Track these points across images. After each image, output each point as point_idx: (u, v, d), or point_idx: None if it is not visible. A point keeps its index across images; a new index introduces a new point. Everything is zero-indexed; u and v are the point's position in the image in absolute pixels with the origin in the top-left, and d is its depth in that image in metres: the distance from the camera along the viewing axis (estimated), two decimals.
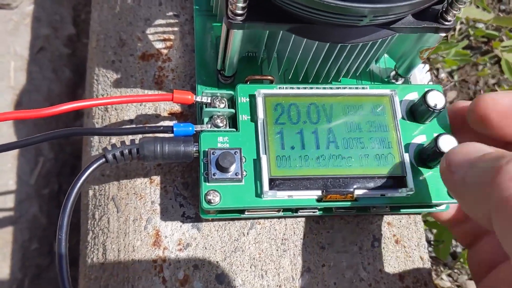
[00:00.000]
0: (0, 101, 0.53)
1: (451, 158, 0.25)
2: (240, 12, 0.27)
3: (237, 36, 0.28)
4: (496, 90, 0.51)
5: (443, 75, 0.52)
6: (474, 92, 0.51)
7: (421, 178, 0.30)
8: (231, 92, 0.31)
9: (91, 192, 0.35)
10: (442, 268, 0.43)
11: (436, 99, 0.30)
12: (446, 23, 0.29)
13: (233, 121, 0.31)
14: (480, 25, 0.53)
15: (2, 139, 0.50)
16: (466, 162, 0.24)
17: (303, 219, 0.33)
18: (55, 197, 0.52)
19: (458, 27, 0.53)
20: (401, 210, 0.32)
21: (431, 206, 0.31)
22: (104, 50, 0.38)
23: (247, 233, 0.32)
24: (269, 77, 0.33)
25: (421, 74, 0.36)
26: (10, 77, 0.55)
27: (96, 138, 0.36)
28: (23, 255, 0.49)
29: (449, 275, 0.43)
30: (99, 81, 0.37)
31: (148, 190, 0.33)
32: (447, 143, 0.29)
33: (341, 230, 0.33)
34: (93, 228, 0.33)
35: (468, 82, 0.52)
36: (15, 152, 0.52)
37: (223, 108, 0.31)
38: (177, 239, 0.31)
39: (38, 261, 0.50)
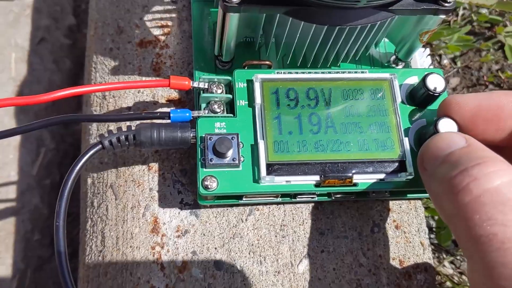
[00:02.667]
0: (1, 92, 0.53)
1: (423, 153, 0.26)
2: None
3: (233, 20, 0.28)
4: (500, 76, 0.50)
5: (445, 61, 0.51)
6: (477, 78, 0.51)
7: None
8: (229, 77, 0.31)
9: (89, 180, 0.35)
10: (444, 255, 0.43)
11: (436, 83, 0.30)
12: (446, 4, 0.28)
13: (230, 107, 0.31)
14: (484, 10, 0.52)
15: (4, 129, 0.50)
16: (435, 159, 0.25)
17: (302, 205, 0.32)
18: (56, 187, 0.52)
19: (461, 12, 0.52)
20: (405, 195, 0.32)
21: None
22: (102, 37, 0.38)
23: (246, 219, 0.32)
24: (267, 62, 0.33)
25: (421, 58, 0.35)
26: (11, 69, 0.55)
27: (94, 126, 0.36)
28: (25, 246, 0.49)
29: (451, 262, 0.43)
30: (97, 68, 0.37)
31: (146, 177, 0.32)
32: (447, 126, 0.28)
33: (340, 216, 0.32)
34: (91, 216, 0.33)
35: (471, 68, 0.51)
36: (16, 143, 0.52)
37: (221, 93, 0.31)
38: (176, 226, 0.31)
39: (40, 252, 0.50)
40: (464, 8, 0.53)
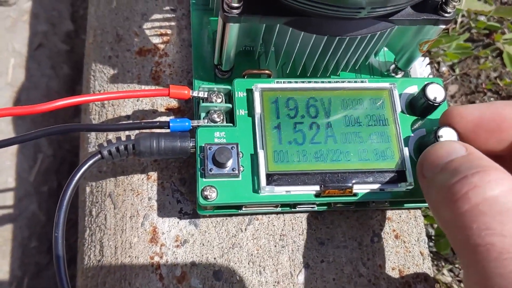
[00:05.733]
0: None
1: (423, 160, 0.26)
2: (236, 5, 0.26)
3: (233, 29, 0.28)
4: (498, 84, 0.51)
5: (444, 68, 0.51)
6: (476, 86, 0.51)
7: None
8: (228, 86, 0.31)
9: (88, 189, 0.34)
10: (443, 263, 0.43)
11: (436, 92, 0.30)
12: (446, 15, 0.29)
13: (230, 116, 0.31)
14: (482, 18, 0.52)
15: (1, 136, 0.50)
16: (434, 167, 0.25)
17: (302, 214, 0.32)
18: (54, 194, 0.52)
19: (459, 20, 0.52)
20: (404, 205, 0.32)
21: None
22: (101, 45, 0.37)
23: (245, 229, 0.31)
24: (267, 71, 0.33)
25: (421, 67, 0.35)
26: (9, 74, 0.55)
27: (93, 134, 0.36)
28: (22, 252, 0.49)
29: (450, 270, 0.43)
30: (96, 76, 0.37)
31: (145, 186, 0.32)
32: (447, 135, 0.28)
33: (340, 226, 0.32)
34: (90, 225, 0.33)
35: (470, 76, 0.51)
36: (14, 150, 0.52)
37: (220, 103, 0.31)
38: (174, 236, 0.31)
39: (37, 259, 0.49)
40: (463, 16, 0.53)
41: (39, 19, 0.59)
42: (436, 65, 0.52)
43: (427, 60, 0.36)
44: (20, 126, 0.53)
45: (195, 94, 0.31)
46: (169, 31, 0.37)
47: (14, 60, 0.56)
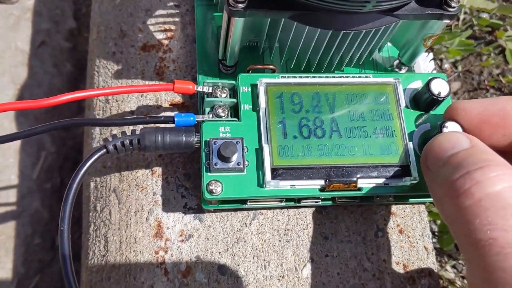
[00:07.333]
0: (1, 96, 0.53)
1: (427, 152, 0.26)
2: None
3: (238, 24, 0.28)
4: (501, 80, 0.51)
5: (446, 65, 0.51)
6: (478, 83, 0.51)
7: None
8: (233, 81, 0.31)
9: (92, 184, 0.34)
10: (446, 259, 0.43)
11: (440, 87, 0.30)
12: (450, 9, 0.29)
13: (234, 111, 0.31)
14: (484, 15, 0.52)
15: (4, 133, 0.50)
16: (438, 160, 0.25)
17: (306, 209, 0.32)
18: (57, 191, 0.52)
19: (462, 16, 0.52)
20: (409, 199, 0.32)
21: None
22: (104, 41, 0.37)
23: (250, 223, 0.32)
24: (271, 67, 0.33)
25: (425, 63, 0.35)
26: (12, 72, 0.55)
27: (97, 130, 0.36)
28: (25, 249, 0.49)
29: (453, 267, 0.43)
30: (100, 72, 0.37)
31: (149, 181, 0.32)
32: (452, 130, 0.28)
33: (344, 220, 0.32)
34: (94, 220, 0.33)
35: (472, 73, 0.51)
36: (17, 147, 0.52)
37: (225, 97, 0.31)
38: (179, 230, 0.31)
39: (40, 256, 0.49)
40: (465, 13, 0.53)
41: (41, 17, 0.59)
42: (438, 62, 0.52)
43: (431, 55, 0.36)
44: (23, 124, 0.53)
45: (199, 89, 0.31)
46: (173, 27, 0.37)
47: (17, 58, 0.56)
